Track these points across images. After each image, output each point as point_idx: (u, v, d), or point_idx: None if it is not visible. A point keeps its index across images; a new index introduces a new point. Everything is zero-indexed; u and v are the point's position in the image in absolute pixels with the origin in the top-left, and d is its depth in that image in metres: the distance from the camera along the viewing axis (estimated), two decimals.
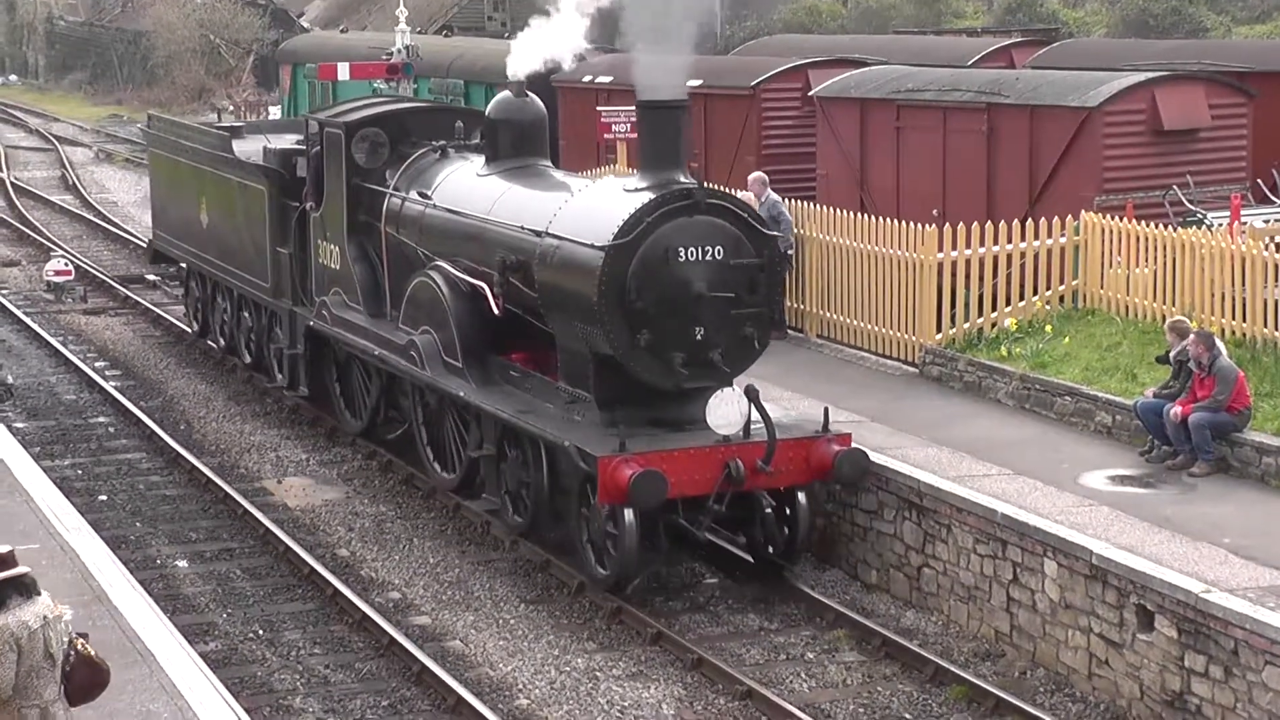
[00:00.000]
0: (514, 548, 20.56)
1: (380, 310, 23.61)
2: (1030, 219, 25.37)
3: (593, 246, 18.89)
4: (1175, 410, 19.29)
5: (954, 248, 24.45)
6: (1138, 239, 24.02)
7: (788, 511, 19.17)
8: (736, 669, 17.01)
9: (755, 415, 18.70)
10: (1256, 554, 16.64)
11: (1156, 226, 24.07)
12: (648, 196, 18.89)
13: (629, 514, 18.33)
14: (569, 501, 19.65)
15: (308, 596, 19.40)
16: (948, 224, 25.20)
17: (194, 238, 29.33)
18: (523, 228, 20.29)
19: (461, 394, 20.91)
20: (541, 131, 22.36)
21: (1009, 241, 24.69)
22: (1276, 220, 25.53)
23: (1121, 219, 24.59)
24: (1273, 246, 22.44)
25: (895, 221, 25.24)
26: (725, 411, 18.67)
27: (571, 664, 17.50)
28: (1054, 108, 26.38)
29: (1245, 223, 24.68)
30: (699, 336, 18.95)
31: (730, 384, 19.22)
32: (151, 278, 37.39)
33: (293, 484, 23.59)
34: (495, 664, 17.51)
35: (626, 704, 16.56)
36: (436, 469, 22.31)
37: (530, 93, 22.34)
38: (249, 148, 27.06)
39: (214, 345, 29.83)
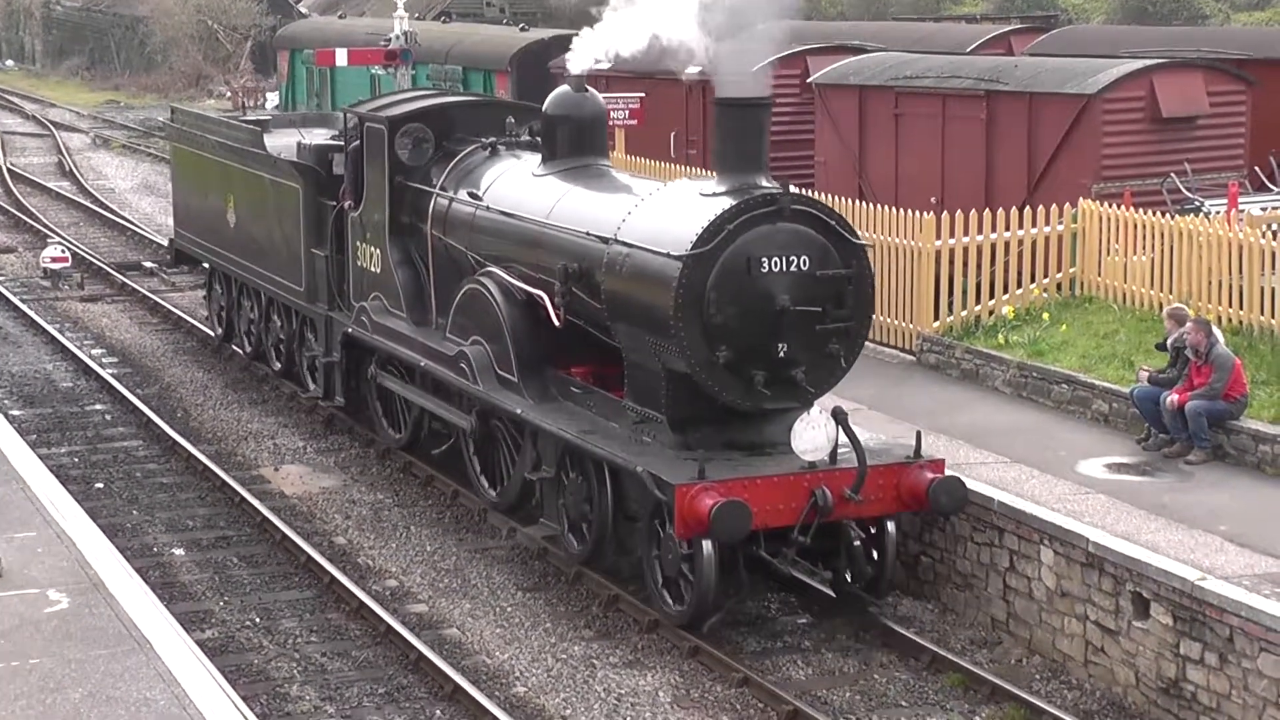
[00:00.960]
0: (511, 535, 20.19)
1: (425, 318, 22.09)
2: (1028, 206, 25.26)
3: (669, 256, 17.40)
4: (1172, 398, 19.21)
5: (952, 235, 24.41)
6: (1136, 227, 24.02)
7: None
8: (734, 657, 16.81)
9: (842, 439, 17.27)
10: (1252, 541, 16.64)
11: (1154, 214, 23.99)
12: (728, 202, 17.42)
13: (707, 546, 16.87)
14: (635, 529, 18.21)
15: (305, 584, 19.17)
16: (946, 211, 25.10)
17: (219, 238, 27.74)
18: (588, 234, 18.79)
19: (519, 411, 19.39)
20: (601, 129, 20.88)
21: (1007, 229, 24.64)
22: (1274, 208, 25.70)
23: (1119, 206, 24.61)
24: (1270, 234, 22.47)
25: (893, 209, 25.22)
26: (812, 436, 17.20)
27: (568, 651, 17.25)
28: (1053, 95, 26.46)
29: (1243, 210, 24.72)
30: (781, 354, 17.50)
31: (811, 405, 17.79)
32: (149, 265, 37.07)
33: (290, 471, 23.20)
34: (492, 652, 17.27)
35: (623, 691, 16.36)
36: (486, 488, 20.77)
37: (590, 88, 20.71)
38: (280, 142, 25.53)
39: (239, 351, 28.24)
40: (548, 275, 19.48)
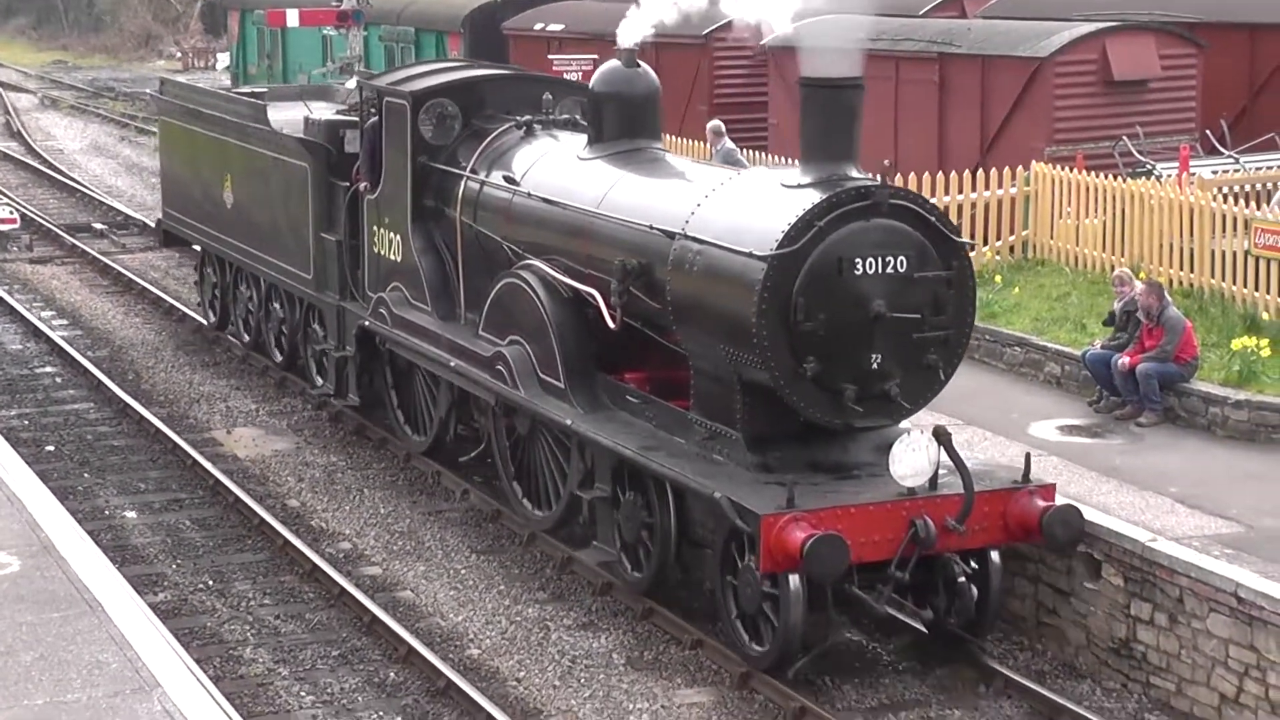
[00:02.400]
0: (464, 498, 19.69)
1: (452, 312, 19.86)
2: (981, 169, 25.28)
3: (751, 255, 15.19)
4: (1123, 361, 19.22)
5: None
6: (1088, 189, 24.17)
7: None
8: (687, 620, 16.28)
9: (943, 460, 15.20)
10: (1202, 503, 16.64)
11: (1106, 177, 24.24)
12: (816, 195, 15.25)
13: (794, 581, 14.75)
14: (702, 555, 16.16)
15: (258, 547, 18.82)
16: (899, 174, 24.91)
17: (214, 219, 25.38)
18: (651, 227, 16.56)
19: (569, 422, 17.18)
20: (655, 108, 18.61)
21: (960, 192, 24.59)
22: (1224, 171, 25.98)
23: (1072, 169, 24.68)
24: (1221, 197, 22.77)
25: None
26: (914, 460, 15.07)
27: (522, 614, 16.83)
28: (1005, 58, 26.57)
29: (1194, 174, 24.99)
30: (874, 365, 15.38)
31: (902, 422, 15.82)
32: (99, 226, 36.29)
33: (242, 434, 22.71)
34: (446, 614, 16.94)
35: (577, 653, 15.96)
36: (526, 504, 18.58)
37: (641, 62, 18.47)
38: (284, 117, 23.22)
39: (235, 340, 25.92)
40: (600, 271, 17.29)
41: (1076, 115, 26.90)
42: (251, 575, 17.97)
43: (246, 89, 28.41)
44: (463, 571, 17.91)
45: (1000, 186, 24.65)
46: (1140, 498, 16.76)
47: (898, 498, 15.06)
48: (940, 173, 24.85)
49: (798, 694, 14.83)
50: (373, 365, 21.45)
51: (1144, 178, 24.71)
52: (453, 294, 19.88)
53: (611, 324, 17.06)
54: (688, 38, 31.41)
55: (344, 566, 17.96)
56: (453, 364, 19.12)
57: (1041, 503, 15.30)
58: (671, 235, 16.26)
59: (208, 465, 20.86)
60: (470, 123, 20.13)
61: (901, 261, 15.29)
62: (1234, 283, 22.05)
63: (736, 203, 15.99)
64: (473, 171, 19.51)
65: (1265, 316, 21.39)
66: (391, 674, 15.62)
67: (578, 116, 19.91)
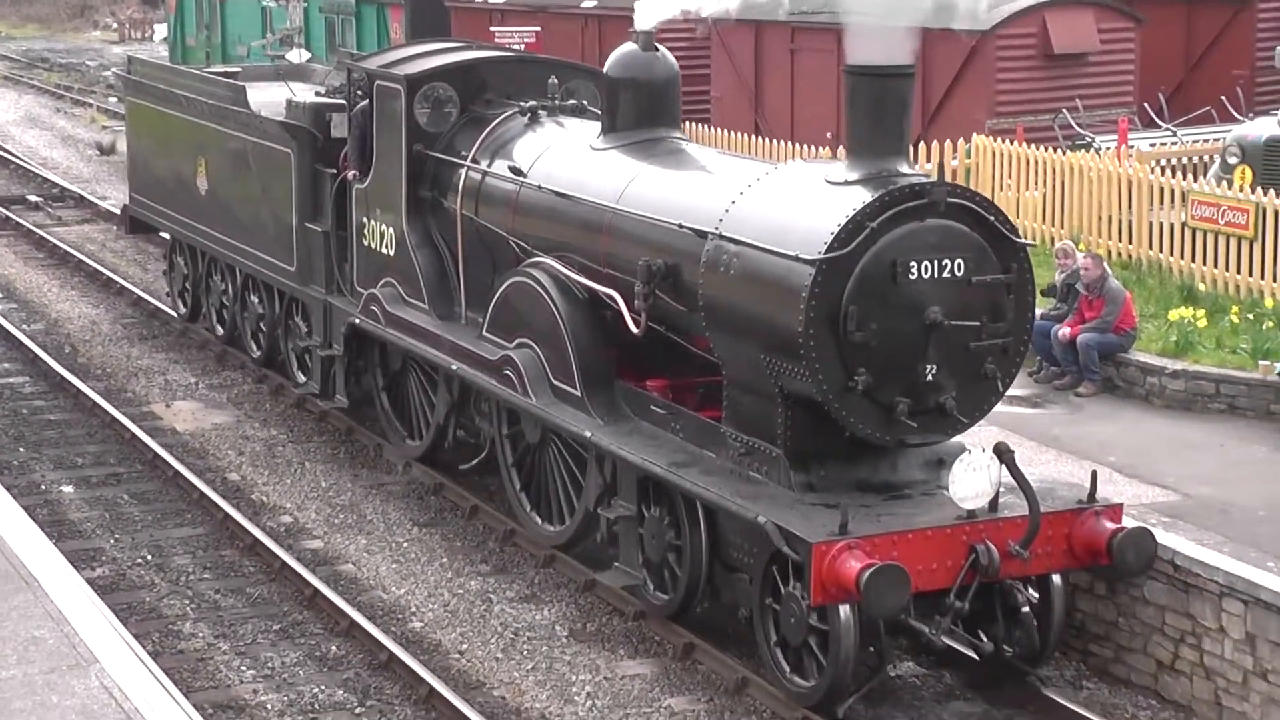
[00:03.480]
0: (406, 471, 19.17)
1: (451, 311, 18.33)
2: (923, 142, 25.40)
3: (797, 259, 13.70)
4: (1063, 331, 19.26)
5: None
6: (1028, 162, 24.28)
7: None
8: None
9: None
10: (1140, 471, 16.66)
11: (1046, 150, 24.30)
12: (867, 194, 13.78)
13: (845, 612, 13.34)
14: (735, 579, 14.68)
15: (197, 521, 18.36)
16: (841, 147, 23.76)
17: (187, 206, 23.65)
18: (681, 225, 15.05)
19: (588, 434, 15.68)
20: (675, 95, 17.06)
21: None
22: (1162, 144, 26.35)
23: (1012, 142, 24.93)
24: (1158, 170, 23.13)
25: (789, 144, 25.46)
26: (974, 481, 13.66)
27: (465, 587, 16.48)
28: (946, 32, 26.15)
29: (1132, 146, 25.37)
30: (929, 377, 13.94)
31: (952, 438, 14.44)
32: (34, 199, 35.26)
33: (181, 408, 22.14)
34: (388, 587, 16.61)
35: (520, 625, 15.63)
36: (535, 519, 17.08)
37: (658, 45, 16.92)
38: (263, 99, 21.55)
39: (210, 334, 24.24)
40: (620, 271, 15.83)
41: (1017, 88, 26.99)
42: (191, 549, 17.55)
43: (220, 69, 26.66)
44: (405, 545, 17.52)
45: (941, 159, 24.38)
46: (1079, 467, 16.45)
47: (957, 521, 13.65)
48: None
49: (740, 665, 14.43)
50: (360, 364, 19.88)
51: (1083, 150, 24.93)
52: (451, 291, 18.35)
53: (635, 329, 15.58)
54: (632, 10, 30.65)
55: (285, 540, 17.60)
56: (454, 367, 17.59)
57: (1110, 525, 13.92)
58: (703, 234, 14.78)
59: (146, 439, 20.31)
60: (469, 108, 18.60)
61: (959, 265, 13.87)
62: (1171, 254, 22.40)
63: (777, 200, 14.51)
64: (474, 161, 17.97)
65: (1202, 287, 21.63)
66: (333, 648, 15.27)
67: (585, 102, 18.38)
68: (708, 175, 15.82)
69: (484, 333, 17.45)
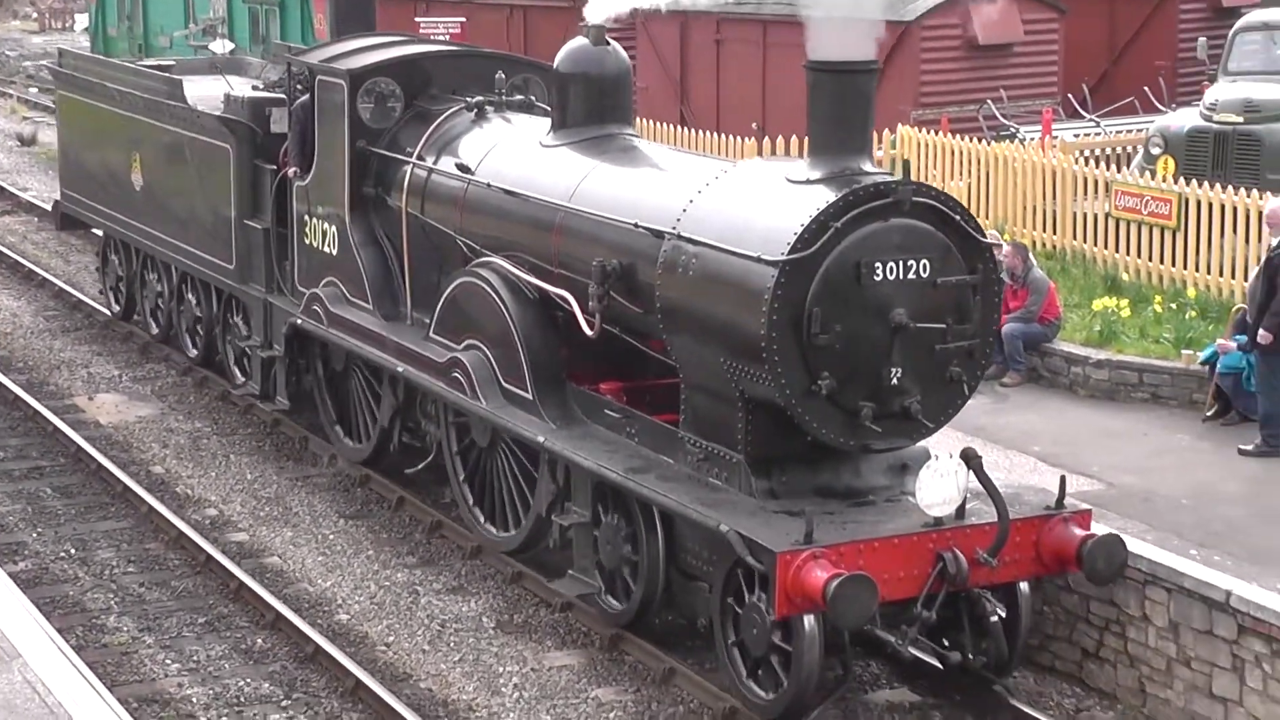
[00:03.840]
0: (332, 463, 18.96)
1: (396, 311, 17.81)
2: None
3: (759, 260, 13.25)
4: None
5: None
6: (953, 152, 24.29)
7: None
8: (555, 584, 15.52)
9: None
10: (1065, 461, 16.62)
11: (971, 140, 24.49)
12: (830, 194, 13.36)
13: (809, 623, 12.90)
14: (693, 588, 14.25)
15: (121, 514, 18.10)
16: (767, 137, 24.77)
17: (120, 202, 22.98)
18: (637, 224, 14.56)
19: (541, 439, 15.18)
20: (627, 91, 16.60)
21: None
22: (1086, 135, 26.37)
23: (937, 133, 24.82)
24: (1082, 160, 23.25)
25: (715, 135, 25.02)
26: (942, 487, 13.26)
27: (391, 579, 16.33)
28: None
29: (1056, 137, 25.31)
30: (894, 380, 13.51)
31: (917, 443, 14.02)
32: None
33: (105, 401, 21.83)
34: (314, 580, 16.43)
35: (447, 617, 15.47)
36: (486, 525, 16.60)
37: (611, 40, 16.42)
38: (200, 92, 20.94)
39: (144, 333, 23.60)
40: (573, 272, 15.36)
41: (942, 79, 26.87)
42: (115, 543, 17.33)
43: (153, 62, 25.96)
44: (331, 537, 17.34)
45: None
46: (1005, 456, 16.68)
47: (924, 529, 13.23)
48: (808, 135, 24.25)
49: (667, 656, 14.30)
50: (301, 364, 19.33)
51: (1008, 141, 24.95)
52: (396, 291, 17.82)
53: (589, 331, 15.10)
54: (556, 1, 31.20)
55: (210, 533, 17.39)
56: (401, 370, 17.06)
57: (1079, 531, 13.52)
58: (660, 234, 14.31)
59: (69, 432, 20.00)
60: (413, 103, 18.07)
61: (924, 266, 13.45)
62: (1095, 244, 22.49)
63: (736, 199, 14.06)
64: (419, 158, 17.44)
65: (1125, 277, 21.68)
66: (259, 640, 15.12)
67: (534, 98, 17.89)
68: (663, 173, 15.36)
69: (431, 334, 16.93)
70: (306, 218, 18.78)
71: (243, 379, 20.49)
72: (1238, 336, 17.60)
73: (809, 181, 13.62)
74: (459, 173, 16.85)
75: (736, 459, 13.89)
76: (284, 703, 14.00)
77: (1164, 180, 22.10)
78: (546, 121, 16.98)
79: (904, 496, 13.83)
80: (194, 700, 14.02)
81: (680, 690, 14.07)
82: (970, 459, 13.31)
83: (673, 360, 14.58)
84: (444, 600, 15.82)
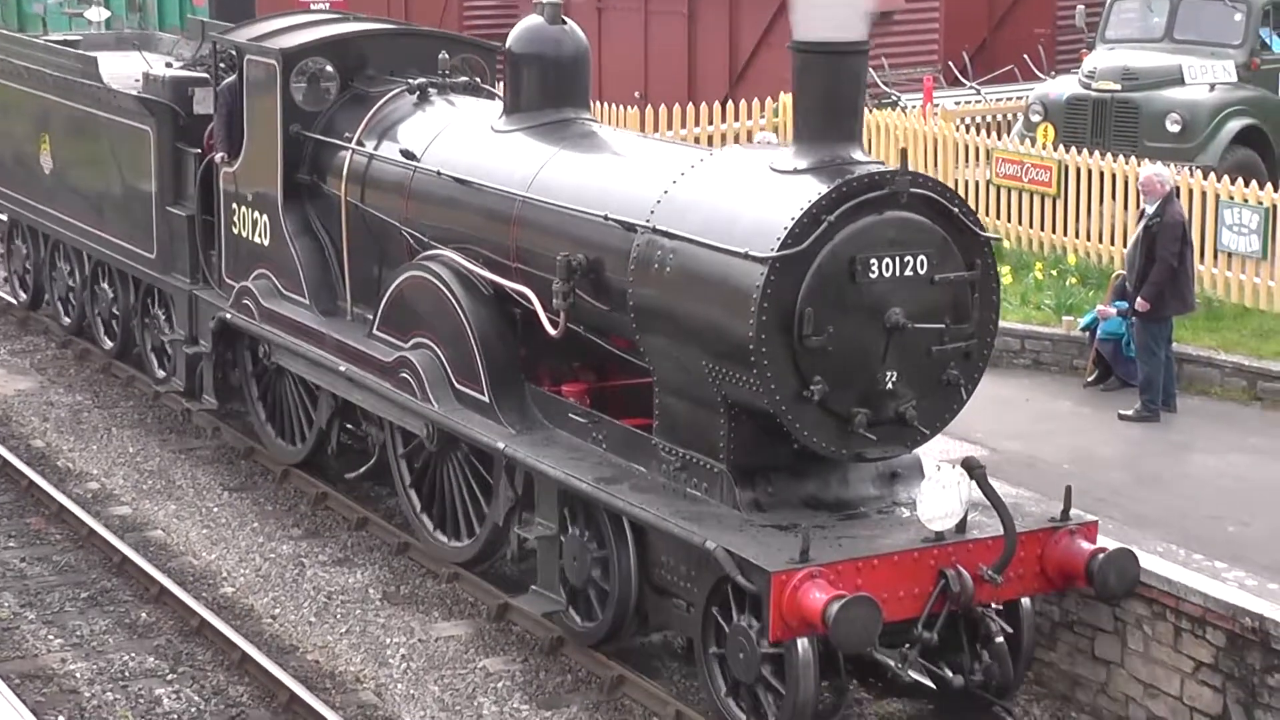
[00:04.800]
0: (216, 435, 18.55)
1: (334, 306, 16.56)
2: (730, 100, 25.12)
3: (746, 256, 12.08)
4: None
5: (655, 129, 23.87)
6: None
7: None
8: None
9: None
10: (950, 428, 14.34)
11: None
12: (822, 184, 12.21)
13: (804, 646, 11.80)
14: (668, 604, 13.10)
15: (1, 489, 17.57)
16: (649, 105, 24.69)
17: (27, 185, 21.48)
18: (607, 217, 13.36)
19: (501, 445, 13.98)
20: (585, 73, 15.36)
21: (710, 123, 24.45)
22: (967, 102, 26.60)
23: None
24: (963, 128, 23.44)
25: (597, 103, 24.23)
26: (944, 500, 12.18)
27: (276, 551, 15.97)
28: None
29: (937, 105, 25.35)
30: (889, 385, 12.40)
31: (912, 450, 12.95)
32: None
33: None
34: (198, 553, 16.08)
35: (333, 589, 15.16)
36: (437, 534, 15.39)
37: (568, 19, 15.18)
38: (114, 70, 19.50)
39: (54, 322, 22.13)
40: (532, 267, 14.18)
41: None
42: None
43: (59, 36, 24.43)
44: (215, 510, 16.96)
45: (749, 118, 24.51)
46: None
47: (925, 544, 12.14)
48: (690, 104, 24.71)
49: (554, 625, 13.91)
50: (229, 359, 18.00)
51: (889, 109, 25.13)
52: (334, 284, 16.56)
53: (552, 330, 13.91)
54: None
55: (92, 507, 16.96)
56: (343, 369, 15.79)
57: (1087, 545, 12.48)
58: (632, 227, 13.12)
59: None
60: (350, 85, 16.79)
61: (921, 262, 12.35)
62: (977, 211, 22.27)
63: (717, 190, 12.90)
64: (359, 143, 16.17)
65: (1006, 245, 21.68)
66: (143, 614, 14.76)
67: (479, 80, 16.65)
68: (632, 161, 14.17)
69: (374, 330, 15.68)
70: (235, 206, 17.44)
71: (163, 374, 19.12)
72: (1117, 303, 17.62)
73: (797, 171, 12.48)
74: (403, 159, 15.59)
75: (718, 468, 12.75)
76: (169, 676, 13.63)
77: (1044, 147, 22.23)
78: (494, 104, 15.81)
79: (896, 508, 12.78)
80: (78, 675, 13.60)
81: (568, 659, 13.75)
82: (973, 469, 12.25)
83: (645, 362, 13.42)
84: (330, 572, 15.47)
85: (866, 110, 22.62)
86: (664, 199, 13.03)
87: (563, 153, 14.45)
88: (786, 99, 23.81)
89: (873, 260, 12.15)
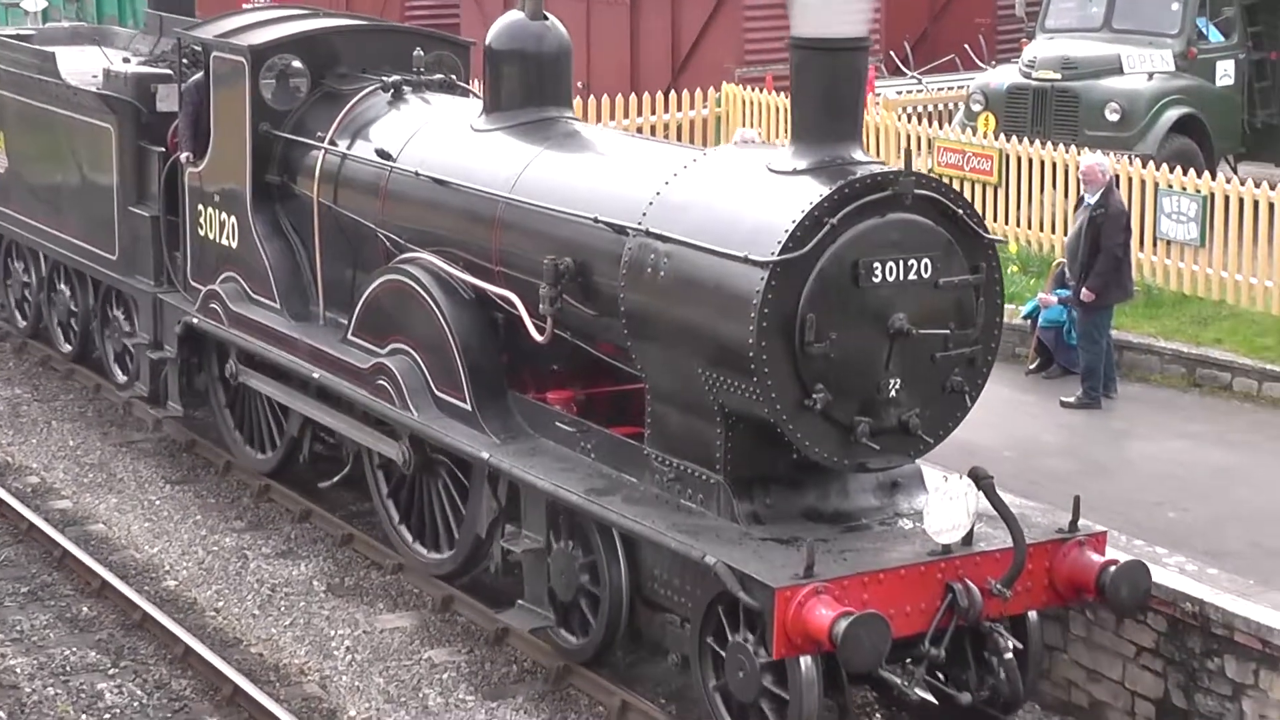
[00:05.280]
0: (158, 428, 18.19)
1: (306, 310, 15.98)
2: (673, 90, 25.27)
3: (746, 260, 11.57)
4: None
5: (598, 120, 23.65)
6: (777, 110, 24.02)
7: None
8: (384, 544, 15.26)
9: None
10: None
11: None
12: (824, 186, 11.71)
13: (807, 663, 11.27)
14: (661, 620, 12.57)
15: None
16: (592, 96, 24.47)
17: None
18: (597, 219, 12.82)
19: (485, 455, 13.43)
20: (567, 71, 14.82)
21: (652, 113, 24.39)
22: (908, 92, 26.64)
23: (761, 90, 24.77)
24: (905, 118, 23.39)
25: None
26: (952, 512, 11.69)
27: (220, 544, 15.83)
28: None
29: (879, 94, 25.28)
30: (892, 392, 11.89)
31: (915, 460, 12.45)
32: None
33: None
34: (140, 546, 15.89)
35: (277, 581, 15.01)
36: (415, 545, 14.83)
37: (550, 14, 14.64)
38: (72, 66, 18.86)
39: (10, 326, 21.43)
40: (517, 271, 13.63)
41: (766, 37, 26.31)
42: None
43: (10, 30, 23.73)
44: (157, 503, 16.78)
45: (692, 108, 24.54)
46: None
47: (931, 558, 11.66)
48: (633, 94, 24.69)
49: (499, 616, 13.71)
50: (195, 363, 17.38)
51: None
52: (306, 288, 15.98)
53: (538, 336, 13.37)
54: None
55: (32, 501, 16.79)
56: (317, 376, 15.21)
57: (1097, 558, 12.02)
58: (623, 230, 12.59)
59: None
60: (321, 83, 16.20)
61: (925, 265, 11.86)
62: None
63: (712, 192, 12.39)
64: (332, 142, 15.59)
65: None
66: (84, 609, 14.62)
67: (454, 78, 16.09)
68: (621, 162, 13.64)
69: (349, 336, 15.11)
70: (201, 207, 16.84)
71: (124, 378, 18.49)
72: (1058, 290, 17.63)
73: (796, 172, 11.97)
74: (379, 159, 15.02)
75: (714, 479, 12.23)
76: (111, 671, 13.45)
77: (985, 137, 22.14)
78: (471, 103, 15.28)
79: (898, 519, 12.31)
80: (18, 670, 13.41)
81: (514, 650, 13.68)
82: (980, 479, 11.78)
83: (637, 369, 12.89)
84: (274, 564, 15.34)
85: None
86: (656, 201, 12.50)
87: (546, 153, 13.91)
88: (729, 88, 24.31)
89: (876, 264, 11.66)
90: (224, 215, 16.47)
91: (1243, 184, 19.55)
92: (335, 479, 15.77)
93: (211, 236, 16.72)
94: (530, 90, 14.52)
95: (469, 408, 13.86)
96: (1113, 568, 11.87)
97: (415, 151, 14.81)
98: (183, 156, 16.93)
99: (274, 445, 16.49)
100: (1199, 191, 19.58)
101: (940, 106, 25.90)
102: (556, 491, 12.79)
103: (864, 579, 11.37)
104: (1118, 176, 19.06)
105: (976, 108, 23.26)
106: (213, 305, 16.60)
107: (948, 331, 11.97)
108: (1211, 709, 12.11)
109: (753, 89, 24.78)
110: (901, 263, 11.76)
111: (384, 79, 15.76)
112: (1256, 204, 19.20)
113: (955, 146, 22.09)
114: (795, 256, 11.48)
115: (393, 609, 14.41)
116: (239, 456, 17.06)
